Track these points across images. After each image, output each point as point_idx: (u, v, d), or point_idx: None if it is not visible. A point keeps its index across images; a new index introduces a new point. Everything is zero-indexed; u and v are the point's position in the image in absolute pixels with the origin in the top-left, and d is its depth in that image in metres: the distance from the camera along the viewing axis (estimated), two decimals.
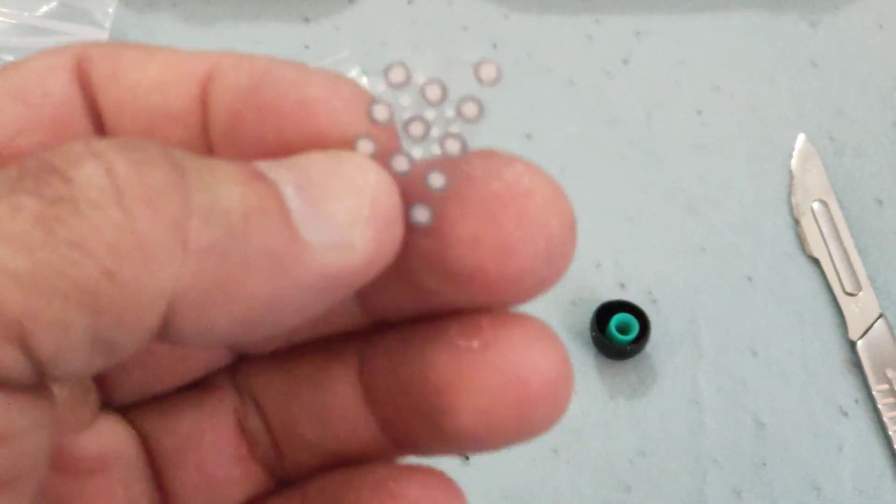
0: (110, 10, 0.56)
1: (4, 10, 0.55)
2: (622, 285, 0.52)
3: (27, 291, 0.15)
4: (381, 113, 0.19)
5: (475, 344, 0.19)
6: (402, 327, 0.21)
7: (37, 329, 0.15)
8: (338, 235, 0.17)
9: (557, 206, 0.19)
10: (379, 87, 0.19)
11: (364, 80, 0.55)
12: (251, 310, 0.17)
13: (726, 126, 0.56)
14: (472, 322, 0.19)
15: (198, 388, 0.22)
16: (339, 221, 0.17)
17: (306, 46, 0.57)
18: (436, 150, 0.19)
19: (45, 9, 0.56)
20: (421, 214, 0.19)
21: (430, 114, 0.19)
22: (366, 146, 0.19)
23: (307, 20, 0.58)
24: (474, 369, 0.19)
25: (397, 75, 0.19)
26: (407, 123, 0.19)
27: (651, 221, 0.53)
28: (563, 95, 0.56)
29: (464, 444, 0.20)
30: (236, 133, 0.19)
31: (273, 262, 0.17)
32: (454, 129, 0.19)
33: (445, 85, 0.19)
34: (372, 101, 0.19)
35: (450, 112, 0.19)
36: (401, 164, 0.19)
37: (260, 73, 0.19)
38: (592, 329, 0.49)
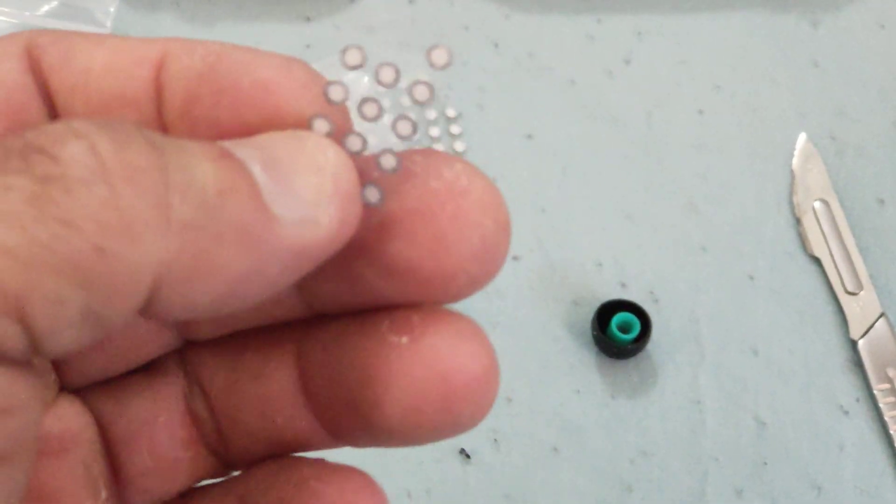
0: (111, 10, 0.56)
1: (5, 9, 0.55)
2: (623, 285, 0.52)
3: (23, 267, 0.15)
4: (336, 94, 0.19)
5: (405, 340, 0.19)
6: (339, 320, 0.21)
7: (33, 304, 0.15)
8: (305, 211, 0.18)
9: (493, 206, 0.20)
10: (334, 69, 0.20)
11: (365, 80, 0.55)
12: (227, 283, 0.17)
13: (727, 125, 0.56)
14: (403, 318, 0.20)
15: (148, 371, 0.23)
16: (305, 198, 0.18)
17: (307, 46, 0.57)
18: (388, 134, 0.19)
19: (46, 8, 0.56)
20: (372, 195, 0.19)
21: (383, 96, 0.20)
22: (321, 125, 0.19)
23: (308, 20, 0.58)
24: (402, 365, 0.19)
25: (353, 58, 0.19)
26: (361, 105, 0.19)
27: (652, 221, 0.53)
28: (564, 95, 0.56)
29: (392, 437, 0.20)
30: (192, 115, 0.20)
31: (247, 236, 0.17)
32: (406, 112, 0.20)
33: (398, 68, 0.19)
34: (327, 82, 0.19)
35: (404, 97, 0.20)
36: (354, 144, 0.19)
37: (214, 56, 0.19)
38: (594, 328, 0.49)
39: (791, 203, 0.54)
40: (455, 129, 0.55)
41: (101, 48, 0.20)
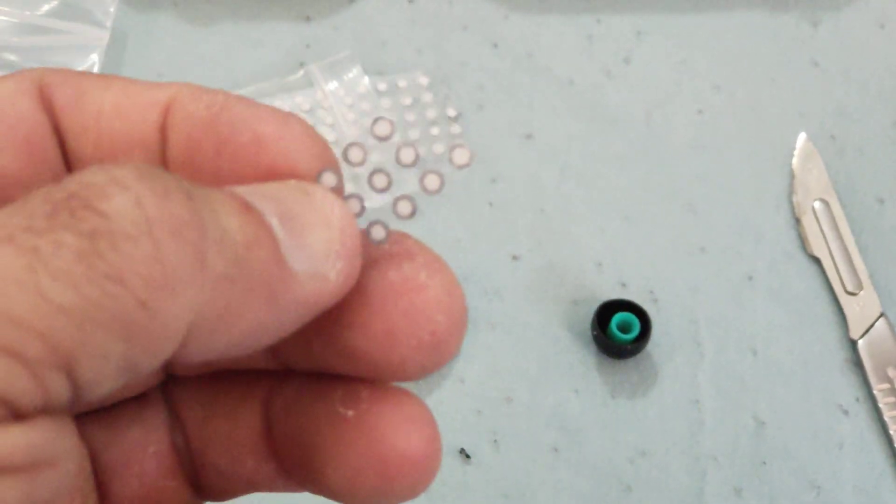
0: (111, 10, 0.56)
1: (6, 8, 0.55)
2: (623, 284, 0.52)
3: (76, 325, 0.15)
4: (336, 175, 0.20)
5: (351, 413, 0.20)
6: (302, 378, 0.22)
7: (81, 359, 0.16)
8: (317, 266, 0.19)
9: (448, 303, 0.20)
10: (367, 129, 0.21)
11: (365, 80, 0.55)
12: (244, 332, 0.18)
13: (727, 125, 0.56)
14: (353, 391, 0.21)
15: (138, 401, 0.23)
16: (317, 253, 0.19)
17: (307, 46, 0.57)
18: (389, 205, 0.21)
19: (46, 8, 0.56)
20: (377, 232, 0.20)
21: (394, 171, 0.21)
22: (329, 179, 0.20)
23: (308, 19, 0.58)
24: (345, 438, 0.20)
25: (382, 129, 0.21)
26: (372, 175, 0.20)
27: (652, 221, 0.53)
28: (563, 95, 0.56)
29: (335, 498, 0.21)
30: (194, 162, 0.20)
31: (270, 289, 0.18)
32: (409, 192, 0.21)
33: (417, 153, 0.20)
34: (348, 144, 0.20)
35: (412, 177, 0.21)
36: (353, 206, 0.20)
37: (218, 106, 0.20)
38: (593, 328, 0.49)
39: (791, 203, 0.54)
40: (455, 129, 0.55)
41: (110, 91, 0.21)
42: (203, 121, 0.20)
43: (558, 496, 0.47)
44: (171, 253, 0.16)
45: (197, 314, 0.17)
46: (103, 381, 0.16)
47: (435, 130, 0.54)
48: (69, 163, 0.21)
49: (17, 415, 0.15)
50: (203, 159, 0.20)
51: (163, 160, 0.21)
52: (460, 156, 0.20)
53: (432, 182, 0.20)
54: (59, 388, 0.16)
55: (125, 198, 0.16)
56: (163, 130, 0.21)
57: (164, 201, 0.16)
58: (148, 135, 0.21)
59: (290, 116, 0.20)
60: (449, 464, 0.48)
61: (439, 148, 0.54)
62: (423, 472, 0.20)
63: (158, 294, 0.16)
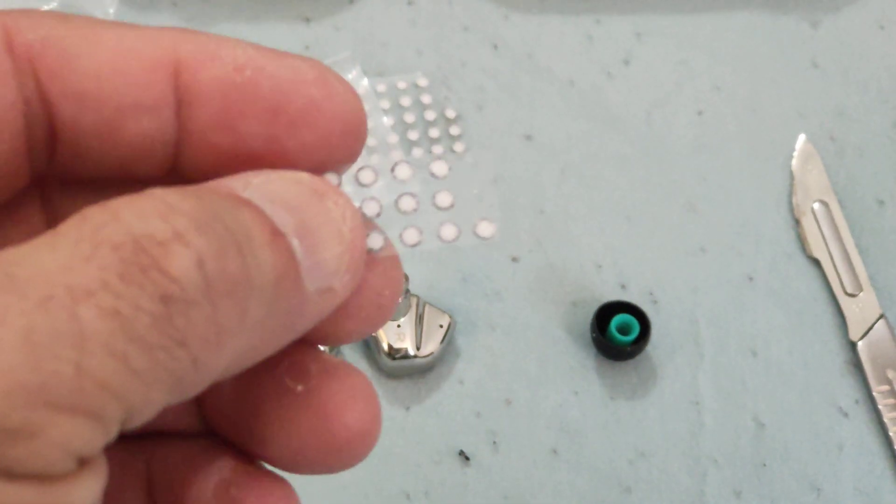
0: (111, 10, 0.56)
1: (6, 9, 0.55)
2: (623, 286, 0.52)
3: (146, 385, 0.16)
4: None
5: (300, 387, 0.21)
6: None
7: (138, 412, 0.16)
8: (326, 282, 0.19)
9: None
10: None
11: (364, 82, 0.55)
12: (255, 359, 0.18)
13: (727, 126, 0.56)
14: (301, 364, 0.21)
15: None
16: (329, 269, 0.19)
17: (307, 47, 0.57)
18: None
19: (45, 8, 0.56)
20: (375, 242, 0.20)
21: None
22: (332, 180, 0.20)
23: (307, 20, 0.58)
24: (293, 411, 0.20)
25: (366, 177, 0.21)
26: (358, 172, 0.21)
27: (651, 222, 0.53)
28: (563, 96, 0.56)
29: (274, 465, 0.22)
30: (237, 129, 0.20)
31: (289, 319, 0.18)
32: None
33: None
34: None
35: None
36: (371, 208, 0.20)
37: (249, 69, 0.20)
38: (593, 330, 0.49)
39: (790, 204, 0.54)
40: (454, 129, 0.55)
41: (100, 48, 0.19)
42: (240, 86, 0.20)
43: (558, 498, 0.47)
44: (224, 313, 0.17)
45: (232, 360, 0.18)
46: (140, 422, 0.17)
47: (434, 132, 0.54)
48: (55, 124, 0.20)
49: (82, 464, 0.16)
50: (251, 128, 0.20)
51: (177, 124, 0.20)
52: (485, 229, 0.20)
53: (440, 168, 0.20)
54: (112, 437, 0.16)
55: (189, 259, 0.16)
56: (177, 94, 0.20)
57: (222, 258, 0.17)
58: (158, 100, 0.20)
59: (325, 71, 0.20)
60: (449, 465, 0.48)
61: (438, 149, 0.54)
62: (366, 446, 0.21)
63: (209, 352, 0.17)
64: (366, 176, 0.20)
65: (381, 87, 0.55)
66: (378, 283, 0.20)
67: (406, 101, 0.55)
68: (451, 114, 0.55)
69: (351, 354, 0.50)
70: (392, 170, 0.20)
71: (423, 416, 0.48)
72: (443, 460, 0.48)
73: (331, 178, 0.20)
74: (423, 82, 0.56)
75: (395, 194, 0.20)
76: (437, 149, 0.54)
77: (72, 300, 0.15)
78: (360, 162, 0.21)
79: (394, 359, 0.48)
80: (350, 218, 0.19)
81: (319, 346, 0.21)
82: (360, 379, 0.21)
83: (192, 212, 0.17)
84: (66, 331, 0.15)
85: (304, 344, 0.20)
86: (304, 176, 0.19)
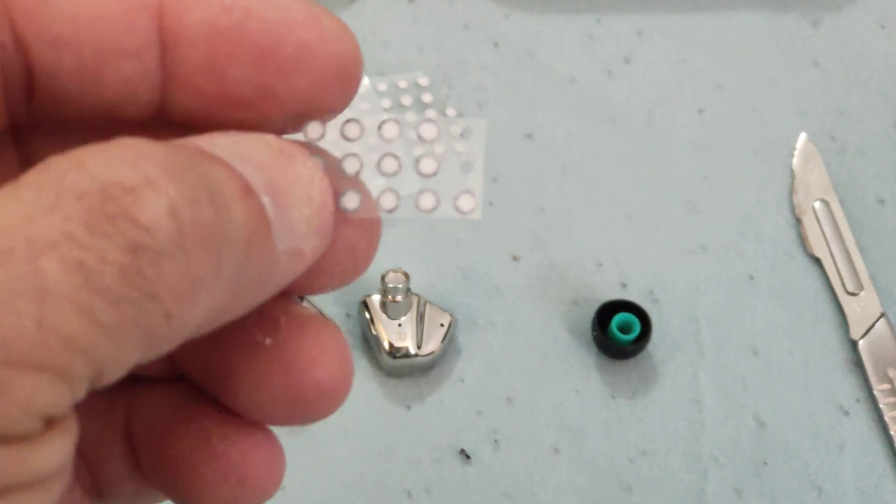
0: None
1: None
2: (623, 285, 0.52)
3: (115, 341, 0.15)
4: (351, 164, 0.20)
5: (269, 341, 0.20)
6: None
7: (109, 369, 0.16)
8: (295, 244, 0.18)
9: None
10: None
11: (365, 81, 0.55)
12: (223, 319, 0.18)
13: (728, 125, 0.56)
14: (270, 316, 0.20)
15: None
16: (298, 230, 0.18)
17: None
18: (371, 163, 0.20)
19: None
20: (350, 201, 0.20)
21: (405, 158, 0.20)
22: (314, 130, 0.19)
23: None
24: (262, 364, 0.20)
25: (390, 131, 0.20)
26: (343, 125, 0.20)
27: (652, 221, 0.53)
28: (564, 94, 0.56)
29: (243, 415, 0.21)
30: (225, 75, 0.19)
31: (259, 277, 0.18)
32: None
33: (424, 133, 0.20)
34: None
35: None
36: (352, 165, 0.20)
37: (238, 10, 0.19)
38: (594, 329, 0.49)
39: (791, 203, 0.54)
40: (454, 129, 0.54)
41: None
42: (227, 29, 0.19)
43: (559, 496, 0.47)
44: (198, 264, 0.16)
45: (206, 317, 0.17)
46: (112, 380, 0.16)
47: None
48: (32, 69, 0.19)
49: (49, 423, 0.15)
50: (240, 73, 0.19)
51: (161, 69, 0.19)
52: (466, 203, 0.20)
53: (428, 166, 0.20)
54: (80, 394, 0.16)
55: (161, 206, 0.16)
56: (161, 37, 0.19)
57: (194, 206, 0.16)
58: (140, 44, 0.19)
59: (317, 10, 0.19)
60: (449, 464, 0.48)
61: (439, 148, 0.54)
62: (336, 400, 0.20)
63: (182, 306, 0.16)
64: (351, 130, 0.19)
65: (382, 87, 0.55)
66: (352, 237, 0.20)
67: (407, 99, 0.55)
68: (451, 112, 0.55)
69: (351, 354, 0.50)
70: (379, 127, 0.19)
71: (424, 414, 0.48)
72: (444, 458, 0.48)
73: (314, 127, 0.19)
74: (423, 81, 0.56)
75: (379, 154, 0.19)
76: (438, 148, 0.54)
77: (33, 253, 0.15)
78: (347, 113, 0.20)
79: (395, 357, 0.48)
80: (319, 180, 0.19)
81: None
82: (331, 332, 0.20)
83: (163, 159, 0.16)
84: (27, 285, 0.15)
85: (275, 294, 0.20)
86: (272, 137, 0.19)
